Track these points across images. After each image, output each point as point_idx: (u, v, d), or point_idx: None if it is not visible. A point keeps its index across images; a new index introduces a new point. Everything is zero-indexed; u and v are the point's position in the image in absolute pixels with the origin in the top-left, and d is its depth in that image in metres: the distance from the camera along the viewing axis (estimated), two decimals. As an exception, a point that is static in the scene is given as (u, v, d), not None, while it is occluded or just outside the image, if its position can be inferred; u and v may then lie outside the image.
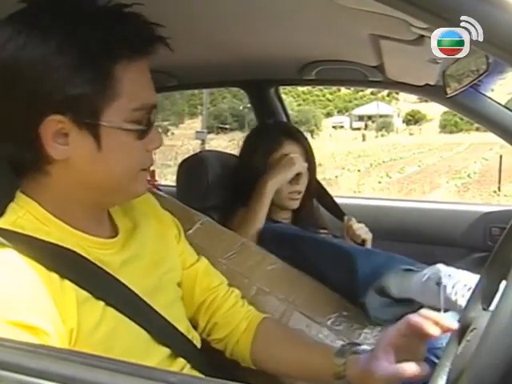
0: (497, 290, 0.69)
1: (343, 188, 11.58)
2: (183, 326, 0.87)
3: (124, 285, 0.76)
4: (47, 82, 0.66)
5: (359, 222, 1.62)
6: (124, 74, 0.69)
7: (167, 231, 0.94)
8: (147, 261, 0.84)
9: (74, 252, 0.72)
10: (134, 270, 0.80)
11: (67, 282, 0.69)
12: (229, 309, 0.97)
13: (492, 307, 0.70)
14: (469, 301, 0.81)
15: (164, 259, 0.88)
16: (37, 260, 0.68)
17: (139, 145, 0.74)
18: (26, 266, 0.66)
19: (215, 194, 1.58)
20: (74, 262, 0.72)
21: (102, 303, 0.72)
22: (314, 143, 1.63)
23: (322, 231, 1.67)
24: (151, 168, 0.82)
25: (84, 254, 0.73)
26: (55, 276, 0.68)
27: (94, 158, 0.71)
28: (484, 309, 0.74)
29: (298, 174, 1.55)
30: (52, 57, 0.65)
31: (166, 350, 0.80)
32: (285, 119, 2.11)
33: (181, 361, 0.82)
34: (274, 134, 1.61)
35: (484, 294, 0.77)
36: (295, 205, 1.59)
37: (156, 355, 0.78)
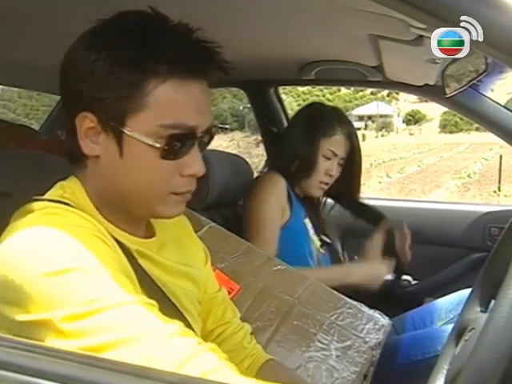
0: (494, 293, 0.69)
1: (343, 188, 11.54)
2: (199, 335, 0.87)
3: (153, 280, 0.77)
4: (82, 81, 0.71)
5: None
6: (158, 88, 0.69)
7: (197, 252, 0.96)
8: (177, 272, 0.85)
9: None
10: (163, 276, 0.81)
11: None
12: (234, 345, 0.97)
13: (489, 310, 0.70)
14: (466, 304, 0.81)
15: (191, 276, 0.89)
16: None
17: (168, 165, 0.72)
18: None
19: (216, 193, 1.58)
20: (114, 245, 0.73)
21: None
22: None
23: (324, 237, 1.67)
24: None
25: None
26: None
27: (117, 163, 0.72)
28: (482, 311, 0.74)
29: (338, 164, 1.56)
30: (91, 61, 0.70)
31: None
32: (284, 119, 2.11)
33: None
34: (330, 119, 1.59)
35: (482, 297, 0.77)
36: (319, 194, 1.61)
37: None
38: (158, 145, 0.70)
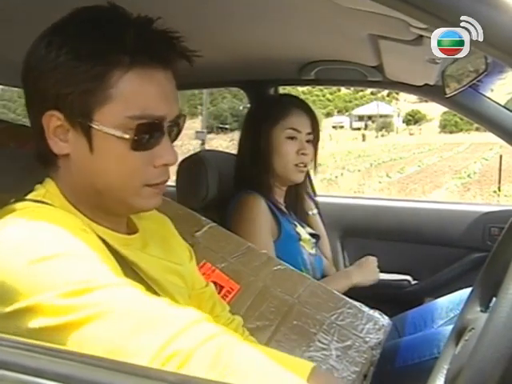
0: (494, 293, 0.69)
1: (343, 188, 11.59)
2: None
3: (140, 276, 0.77)
4: (45, 79, 0.71)
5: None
6: (122, 79, 0.69)
7: (182, 251, 0.96)
8: (165, 268, 0.85)
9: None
10: (152, 271, 0.81)
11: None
12: None
13: (489, 309, 0.70)
14: (466, 304, 0.81)
15: (178, 272, 0.89)
16: None
17: (140, 156, 0.72)
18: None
19: (215, 193, 1.58)
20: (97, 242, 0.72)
21: None
22: (314, 143, 1.62)
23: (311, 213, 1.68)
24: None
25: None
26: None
27: (88, 159, 0.72)
28: (482, 311, 0.74)
29: (308, 142, 1.53)
30: (52, 59, 0.70)
31: None
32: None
33: None
34: (281, 103, 1.58)
35: (481, 297, 0.77)
36: (301, 178, 1.55)
37: None
38: (127, 136, 0.70)
